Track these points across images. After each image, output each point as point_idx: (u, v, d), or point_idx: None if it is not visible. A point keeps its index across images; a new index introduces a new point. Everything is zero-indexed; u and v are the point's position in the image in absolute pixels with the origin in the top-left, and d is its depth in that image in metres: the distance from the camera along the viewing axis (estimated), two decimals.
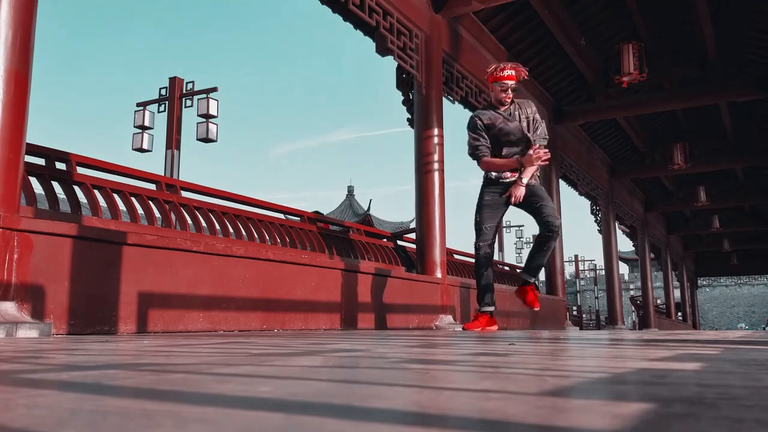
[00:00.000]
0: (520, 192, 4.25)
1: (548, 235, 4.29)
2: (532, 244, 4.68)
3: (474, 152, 4.36)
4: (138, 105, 14.24)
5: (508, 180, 4.34)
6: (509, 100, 4.36)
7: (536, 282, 4.51)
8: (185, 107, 13.77)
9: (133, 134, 14.28)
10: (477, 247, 4.43)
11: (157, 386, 0.83)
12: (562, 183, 10.91)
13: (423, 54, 6.31)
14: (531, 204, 4.33)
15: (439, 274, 6.07)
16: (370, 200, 38.96)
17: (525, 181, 4.24)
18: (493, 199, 4.38)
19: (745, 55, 9.52)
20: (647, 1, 8.61)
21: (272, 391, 0.78)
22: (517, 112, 4.37)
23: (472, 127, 4.38)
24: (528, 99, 4.67)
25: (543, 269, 4.52)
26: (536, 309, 4.71)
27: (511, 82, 4.34)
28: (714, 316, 50.70)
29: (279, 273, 4.26)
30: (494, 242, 4.50)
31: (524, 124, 4.34)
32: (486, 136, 4.34)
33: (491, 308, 4.50)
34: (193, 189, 4.75)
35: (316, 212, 5.92)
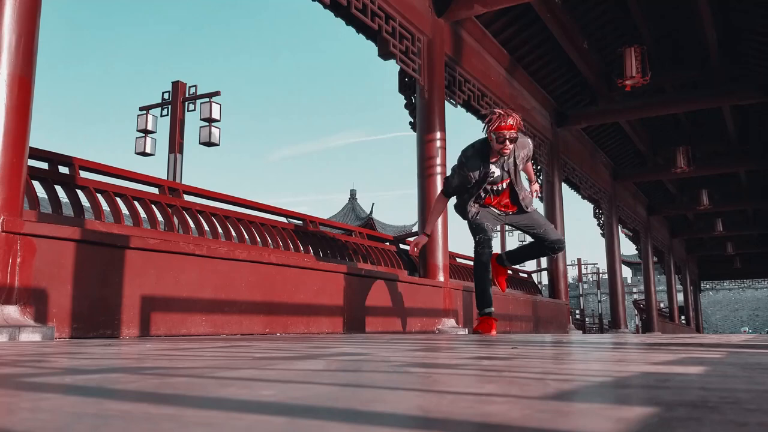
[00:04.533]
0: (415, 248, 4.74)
1: (556, 250, 4.60)
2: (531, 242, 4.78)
3: (445, 190, 4.54)
4: (141, 109, 14.27)
5: (496, 209, 4.46)
6: (507, 152, 4.15)
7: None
8: (188, 111, 13.81)
9: (136, 138, 14.32)
10: (480, 241, 4.38)
11: (159, 390, 0.83)
12: (564, 186, 10.90)
13: (425, 58, 6.32)
14: (530, 231, 4.51)
15: (441, 278, 6.07)
16: (373, 204, 38.92)
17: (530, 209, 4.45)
18: (484, 209, 4.43)
19: (749, 58, 9.51)
20: (650, 5, 8.61)
21: (275, 394, 0.79)
22: (513, 162, 4.27)
23: (456, 165, 4.37)
24: (527, 135, 4.65)
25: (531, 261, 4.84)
26: (504, 291, 4.93)
27: (509, 132, 4.09)
28: (717, 319, 50.54)
29: (281, 276, 4.26)
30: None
31: (510, 167, 4.28)
32: (458, 181, 4.33)
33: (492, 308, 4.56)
34: (195, 193, 4.76)
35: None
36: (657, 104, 10.47)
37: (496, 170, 4.25)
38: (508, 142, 4.09)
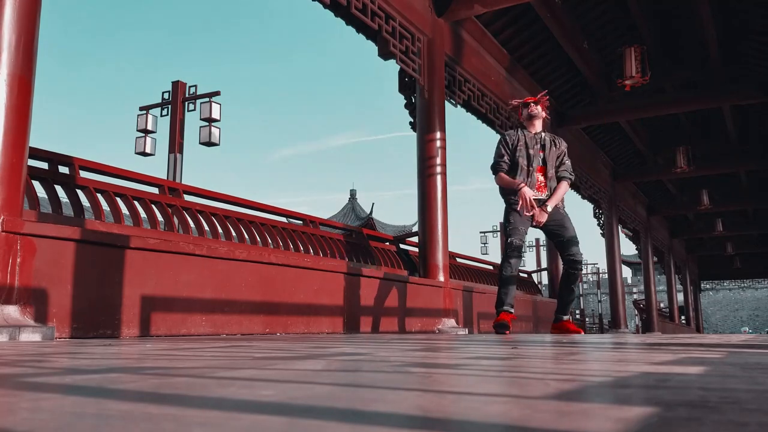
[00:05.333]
0: (543, 217, 4.58)
1: (573, 273, 4.73)
2: (561, 278, 5.01)
3: (494, 166, 4.75)
4: (141, 109, 14.26)
5: (534, 197, 4.60)
6: (534, 128, 4.74)
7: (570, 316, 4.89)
8: (188, 111, 13.79)
9: (136, 138, 14.30)
10: (510, 243, 4.66)
11: (159, 390, 0.83)
12: None
13: (425, 58, 6.32)
14: (556, 236, 4.70)
15: (441, 278, 6.06)
16: (373, 204, 38.87)
17: (549, 208, 4.59)
18: (520, 216, 4.62)
19: (749, 58, 9.51)
20: (650, 5, 8.60)
21: (275, 394, 0.78)
22: (549, 142, 4.74)
23: (498, 143, 4.79)
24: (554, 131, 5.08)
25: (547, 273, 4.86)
26: (582, 333, 4.90)
27: (533, 108, 4.76)
28: (717, 319, 50.53)
29: (281, 276, 4.26)
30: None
31: (551, 155, 4.71)
32: (508, 153, 4.71)
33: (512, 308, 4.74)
34: (195, 192, 4.76)
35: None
36: (657, 104, 10.46)
37: (534, 142, 4.71)
38: (534, 119, 4.75)
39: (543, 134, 4.78)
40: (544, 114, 4.81)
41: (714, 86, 9.73)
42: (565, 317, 4.89)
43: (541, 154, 4.71)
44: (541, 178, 4.69)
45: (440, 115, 6.38)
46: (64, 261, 2.90)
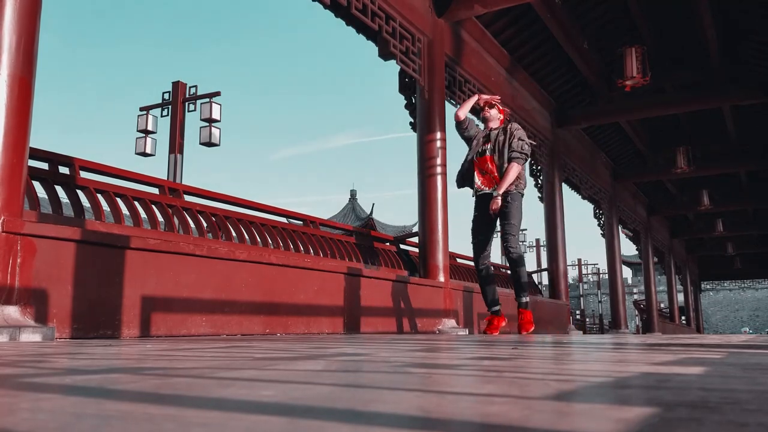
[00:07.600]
0: (495, 204, 4.63)
1: (508, 258, 4.78)
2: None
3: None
4: (141, 109, 14.25)
5: (481, 192, 4.79)
6: (488, 115, 4.89)
7: (526, 302, 4.86)
8: (188, 111, 13.79)
9: (136, 138, 14.30)
10: (474, 260, 4.93)
11: (160, 390, 0.83)
12: (565, 186, 10.89)
13: (425, 58, 6.32)
14: (501, 224, 4.77)
15: (442, 278, 6.06)
16: (373, 204, 38.86)
17: (497, 193, 4.64)
18: (478, 214, 4.82)
19: (749, 58, 9.50)
20: (650, 5, 8.60)
21: (275, 395, 0.78)
22: (496, 134, 4.82)
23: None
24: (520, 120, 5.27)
25: (528, 278, 5.12)
26: (526, 331, 4.80)
27: (488, 107, 4.92)
28: (718, 319, 50.52)
29: (282, 277, 4.26)
30: (489, 251, 4.92)
31: (500, 145, 4.73)
32: (469, 130, 4.95)
33: (498, 307, 4.90)
34: (195, 193, 4.76)
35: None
36: (657, 104, 10.46)
37: (482, 137, 4.87)
38: (486, 107, 4.91)
39: (497, 130, 4.83)
40: (500, 117, 4.91)
41: (714, 86, 9.73)
42: (522, 300, 4.82)
43: (486, 146, 4.78)
44: (490, 167, 4.73)
45: (440, 115, 6.38)
46: (65, 261, 2.90)
